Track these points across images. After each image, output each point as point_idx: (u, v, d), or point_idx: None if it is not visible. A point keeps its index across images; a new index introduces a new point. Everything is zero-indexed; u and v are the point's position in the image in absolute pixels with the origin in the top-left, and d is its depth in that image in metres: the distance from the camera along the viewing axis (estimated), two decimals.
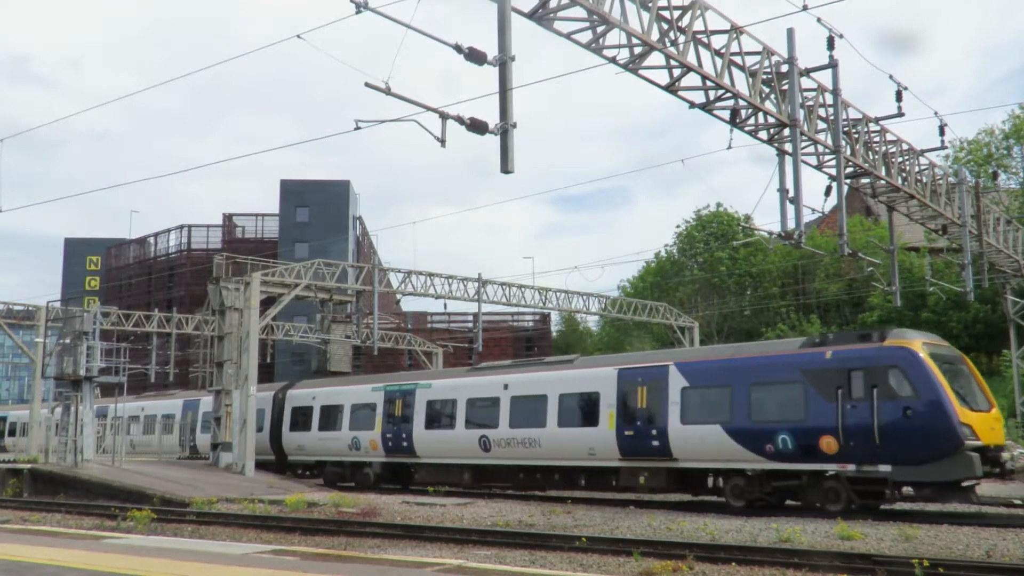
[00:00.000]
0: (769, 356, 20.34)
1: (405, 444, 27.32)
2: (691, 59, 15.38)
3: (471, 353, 52.19)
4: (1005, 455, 17.97)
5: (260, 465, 30.09)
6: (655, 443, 21.23)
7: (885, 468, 17.85)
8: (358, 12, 12.87)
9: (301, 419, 30.83)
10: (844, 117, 18.64)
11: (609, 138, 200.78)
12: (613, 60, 14.96)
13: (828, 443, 18.39)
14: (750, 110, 16.89)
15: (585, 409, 23.03)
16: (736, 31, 16.17)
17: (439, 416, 26.79)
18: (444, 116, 13.87)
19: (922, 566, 11.17)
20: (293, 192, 65.90)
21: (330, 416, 29.91)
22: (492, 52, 12.92)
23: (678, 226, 60.67)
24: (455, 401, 26.39)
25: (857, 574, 11.62)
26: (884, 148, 20.76)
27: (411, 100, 13.82)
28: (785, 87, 17.12)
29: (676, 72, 15.55)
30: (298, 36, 14.22)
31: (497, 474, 25.59)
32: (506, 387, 25.21)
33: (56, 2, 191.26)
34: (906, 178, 21.74)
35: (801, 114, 17.20)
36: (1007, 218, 29.34)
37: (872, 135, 20.31)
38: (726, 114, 16.81)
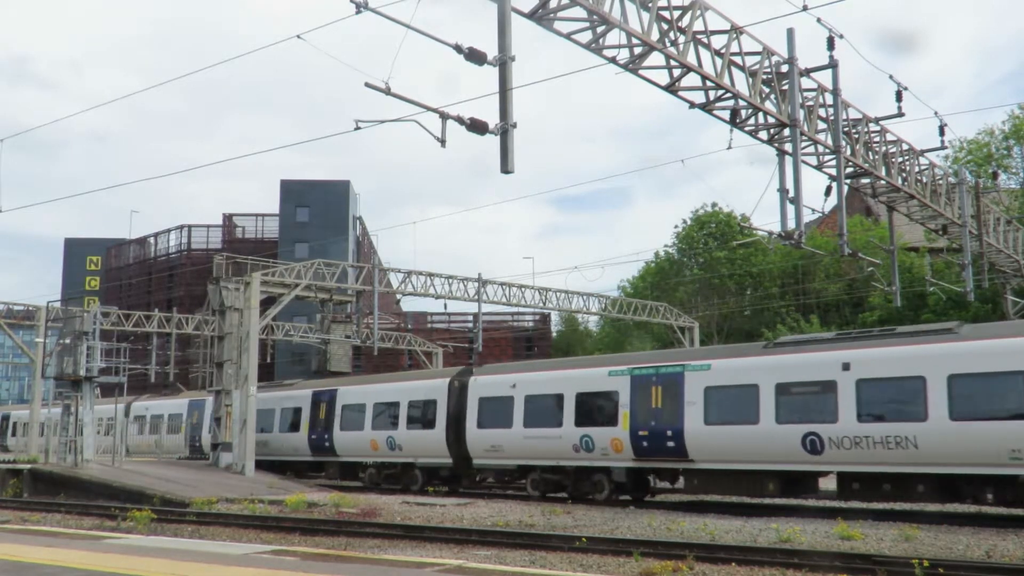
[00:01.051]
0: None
1: (672, 444, 20.95)
2: (691, 59, 15.37)
3: (471, 353, 52.20)
4: None
5: (433, 472, 27.35)
6: None
7: None
8: (358, 12, 12.87)
9: (494, 412, 25.06)
10: (844, 117, 18.63)
11: (609, 138, 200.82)
12: (613, 60, 14.96)
13: None
14: (750, 110, 16.88)
15: None
16: (736, 31, 16.16)
17: (728, 407, 20.18)
18: (444, 116, 13.87)
19: (922, 566, 11.17)
20: (293, 192, 65.90)
21: (541, 408, 23.99)
22: (492, 52, 12.93)
23: (676, 226, 60.73)
24: (756, 388, 19.77)
25: (857, 574, 11.61)
26: (884, 148, 20.76)
27: (411, 100, 13.82)
28: (785, 87, 17.12)
29: (676, 72, 15.54)
30: (298, 36, 14.23)
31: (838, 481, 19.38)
32: (847, 367, 18.65)
33: (56, 3, 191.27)
34: (906, 178, 21.73)
35: (801, 114, 17.20)
36: (1007, 218, 29.34)
37: (872, 135, 20.30)
38: (726, 114, 16.81)
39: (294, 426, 31.54)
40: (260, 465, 30.24)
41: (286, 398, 32.49)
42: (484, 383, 25.75)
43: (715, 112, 16.70)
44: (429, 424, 26.81)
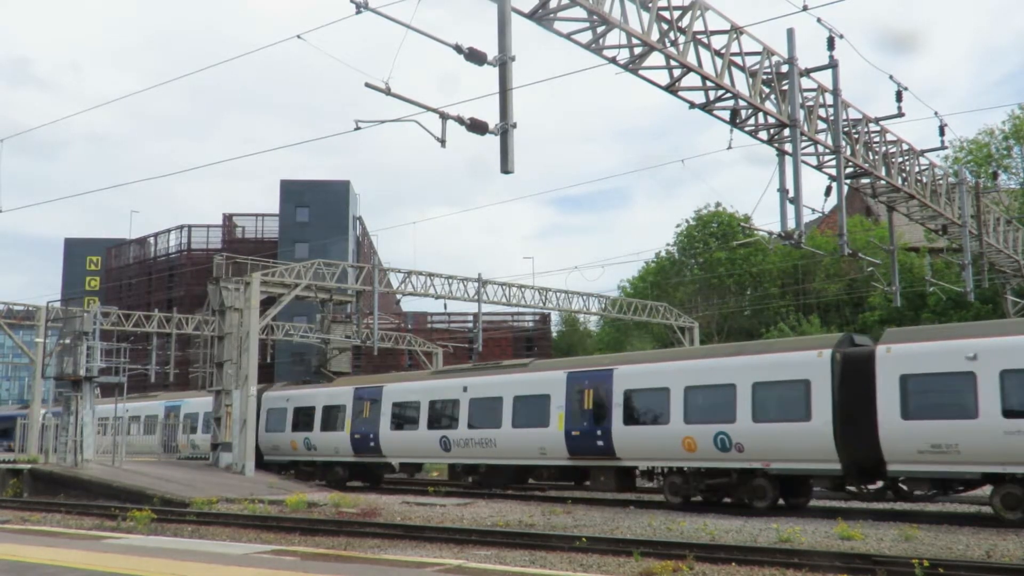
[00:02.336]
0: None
1: None
2: (691, 59, 15.37)
3: (471, 353, 52.17)
4: None
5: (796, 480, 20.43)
6: None
7: None
8: (358, 12, 12.87)
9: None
10: (844, 117, 18.64)
11: (609, 138, 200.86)
12: (613, 60, 14.96)
13: None
14: (750, 110, 16.88)
15: None
16: (736, 31, 16.16)
17: None
18: (444, 116, 13.87)
19: (922, 566, 11.17)
20: (293, 192, 65.87)
21: None
22: (492, 52, 12.93)
23: (678, 226, 60.68)
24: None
25: (857, 574, 11.61)
26: (884, 148, 20.76)
27: (411, 100, 13.83)
28: (785, 87, 17.12)
29: (676, 72, 15.55)
30: (298, 36, 14.24)
31: None
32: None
33: (57, 5, 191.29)
34: (906, 178, 21.73)
35: (801, 114, 17.20)
36: (1007, 218, 29.34)
37: (872, 135, 20.31)
38: (726, 114, 16.81)
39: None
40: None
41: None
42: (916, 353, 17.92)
43: (715, 112, 16.71)
44: (795, 415, 19.23)
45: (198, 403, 36.54)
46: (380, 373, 38.69)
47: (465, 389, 26.02)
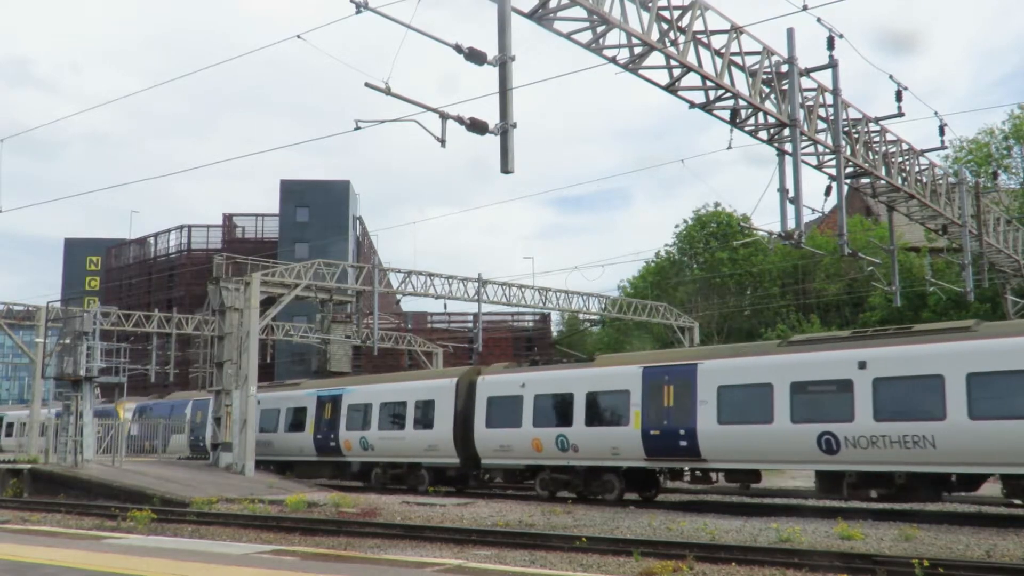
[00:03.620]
0: None
1: None
2: (691, 59, 15.38)
3: (471, 353, 52.18)
4: None
5: None
6: None
7: None
8: (358, 12, 12.88)
9: None
10: (844, 117, 18.64)
11: (609, 139, 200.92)
12: (613, 60, 14.96)
13: None
14: (750, 110, 16.89)
15: None
16: (736, 31, 16.16)
17: None
18: (444, 116, 13.88)
19: (922, 566, 11.17)
20: (293, 192, 65.90)
21: None
22: (492, 52, 12.93)
23: (677, 226, 60.70)
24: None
25: (857, 574, 11.61)
26: (884, 148, 20.76)
27: (411, 100, 13.83)
28: (785, 87, 17.12)
29: (676, 72, 15.55)
30: (298, 36, 14.24)
31: None
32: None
33: (56, 5, 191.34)
34: (906, 178, 21.73)
35: (801, 114, 17.20)
36: (1007, 218, 29.34)
37: (872, 135, 20.31)
38: (726, 114, 16.81)
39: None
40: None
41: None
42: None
43: (715, 112, 16.71)
44: None
45: (371, 391, 29.40)
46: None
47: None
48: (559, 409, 23.29)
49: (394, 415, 27.75)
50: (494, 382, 25.16)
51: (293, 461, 31.35)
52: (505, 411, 24.34)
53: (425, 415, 26.64)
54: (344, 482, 29.70)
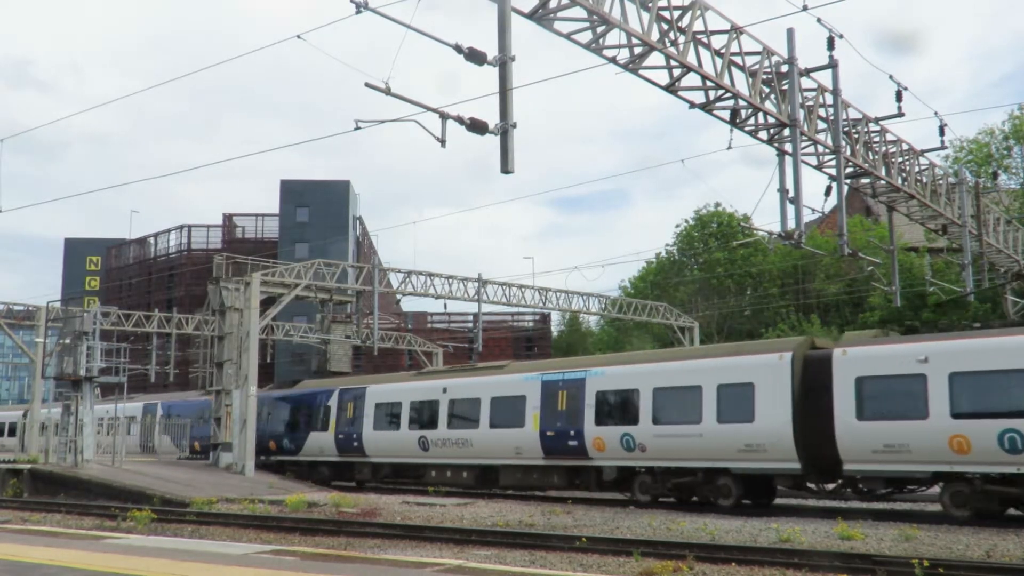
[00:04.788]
0: None
1: None
2: (691, 59, 15.37)
3: (471, 353, 52.16)
4: None
5: None
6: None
7: None
8: (358, 12, 12.87)
9: None
10: (844, 117, 18.63)
11: (609, 139, 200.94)
12: (613, 60, 14.96)
13: None
14: (750, 110, 16.88)
15: None
16: (736, 31, 16.16)
17: None
18: (444, 116, 13.87)
19: (922, 566, 11.17)
20: (293, 192, 65.90)
21: None
22: (492, 52, 12.93)
23: (677, 226, 60.68)
24: None
25: (857, 574, 11.61)
26: (884, 148, 20.76)
27: (411, 100, 13.83)
28: (785, 87, 17.12)
29: (676, 72, 15.55)
30: (298, 36, 14.24)
31: None
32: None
33: (57, 6, 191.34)
34: (906, 178, 21.73)
35: (801, 114, 17.20)
36: (1007, 218, 29.33)
37: (872, 135, 20.30)
38: (726, 114, 16.81)
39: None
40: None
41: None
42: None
43: (715, 112, 16.70)
44: None
45: (638, 372, 22.97)
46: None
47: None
48: None
49: (681, 404, 21.24)
50: (871, 357, 18.52)
51: (499, 466, 25.13)
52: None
53: (738, 404, 20.19)
54: (591, 494, 23.95)
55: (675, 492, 21.77)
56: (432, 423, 26.67)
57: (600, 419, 22.48)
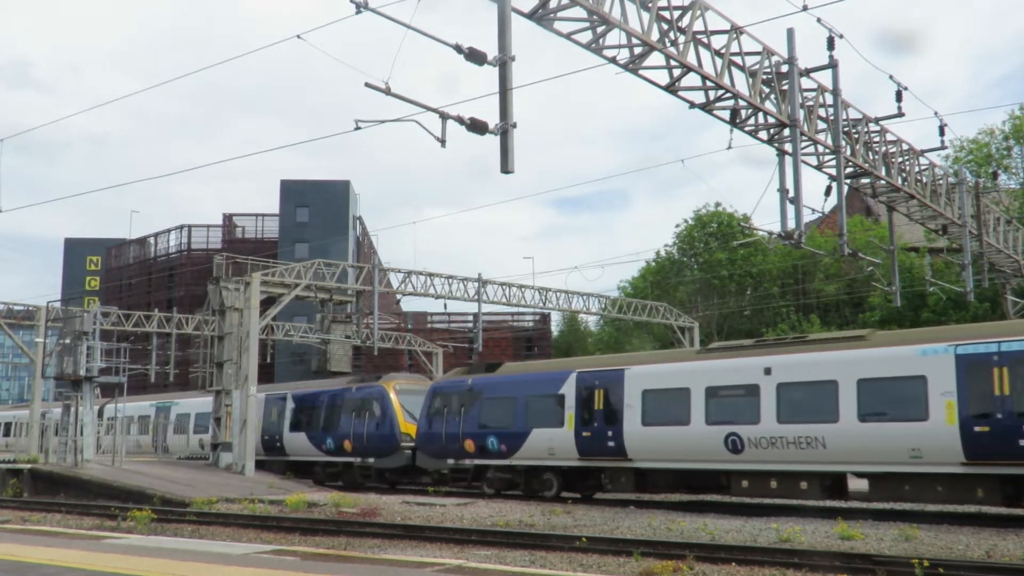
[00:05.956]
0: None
1: None
2: (691, 59, 15.38)
3: (471, 353, 52.16)
4: None
5: None
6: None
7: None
8: (358, 12, 12.87)
9: None
10: (844, 117, 18.63)
11: (609, 139, 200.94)
12: (613, 60, 14.96)
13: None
14: (750, 110, 16.88)
15: None
16: (736, 31, 16.17)
17: None
18: (444, 116, 13.87)
19: (922, 566, 11.17)
20: (293, 192, 65.90)
21: None
22: (492, 52, 12.93)
23: (677, 226, 60.68)
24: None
25: (857, 574, 11.61)
26: (884, 148, 20.76)
27: (411, 100, 13.83)
28: (785, 87, 17.12)
29: (676, 72, 15.55)
30: (298, 36, 14.24)
31: None
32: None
33: (57, 6, 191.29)
34: (906, 178, 21.73)
35: (801, 114, 17.20)
36: (1007, 218, 29.33)
37: (872, 135, 20.30)
38: (726, 114, 16.81)
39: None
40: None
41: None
42: None
43: (715, 112, 16.70)
44: None
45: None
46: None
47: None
48: None
49: None
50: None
51: (879, 474, 18.54)
52: None
53: None
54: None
55: None
56: (748, 416, 19.79)
57: None
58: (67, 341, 29.90)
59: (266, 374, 42.83)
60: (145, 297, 70.34)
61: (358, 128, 14.23)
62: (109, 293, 75.44)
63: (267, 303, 31.96)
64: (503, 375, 25.69)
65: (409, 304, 76.86)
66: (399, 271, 36.39)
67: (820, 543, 14.13)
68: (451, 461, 25.45)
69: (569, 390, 23.19)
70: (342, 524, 17.56)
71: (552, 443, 23.17)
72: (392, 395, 29.24)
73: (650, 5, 14.53)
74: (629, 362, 22.86)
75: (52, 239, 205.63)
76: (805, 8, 15.07)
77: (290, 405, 32.56)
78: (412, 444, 27.78)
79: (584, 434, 22.52)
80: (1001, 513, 19.05)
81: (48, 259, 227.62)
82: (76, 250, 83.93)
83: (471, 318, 60.43)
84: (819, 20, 16.62)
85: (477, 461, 24.93)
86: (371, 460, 29.42)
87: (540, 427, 23.49)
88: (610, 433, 22.01)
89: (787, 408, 19.24)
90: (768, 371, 19.79)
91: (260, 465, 31.53)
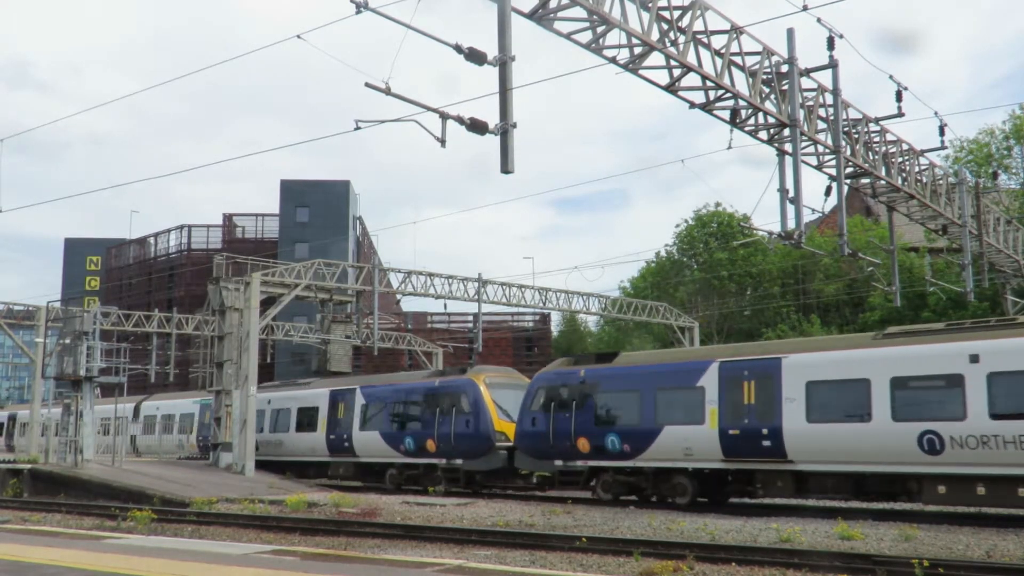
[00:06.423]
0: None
1: None
2: (691, 59, 15.38)
3: (471, 353, 52.14)
4: None
5: None
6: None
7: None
8: (358, 12, 12.87)
9: None
10: (844, 117, 18.64)
11: (609, 139, 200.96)
12: (613, 60, 14.96)
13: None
14: (750, 110, 16.88)
15: None
16: (736, 31, 16.17)
17: None
18: (444, 116, 13.87)
19: (922, 566, 11.17)
20: (293, 192, 65.88)
21: None
22: (492, 52, 12.93)
23: (677, 226, 60.65)
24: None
25: (857, 574, 11.61)
26: (884, 148, 20.76)
27: (411, 100, 13.83)
28: (785, 87, 17.12)
29: (676, 72, 15.55)
30: (298, 36, 14.24)
31: None
32: None
33: (57, 6, 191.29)
34: (906, 178, 21.73)
35: (801, 114, 17.20)
36: (1007, 218, 29.34)
37: (872, 135, 20.31)
38: (726, 114, 16.81)
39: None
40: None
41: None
42: None
43: (715, 112, 16.71)
44: None
45: None
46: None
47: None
48: None
49: None
50: None
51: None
52: None
53: None
54: None
55: None
56: (950, 411, 17.21)
57: None
58: (67, 341, 29.90)
59: (266, 374, 42.81)
60: (145, 297, 70.33)
61: (358, 128, 14.24)
62: (109, 293, 75.42)
63: (267, 303, 31.96)
64: (623, 366, 22.86)
65: (409, 304, 76.92)
66: (399, 271, 36.40)
67: (820, 543, 14.14)
68: (559, 462, 22.99)
69: (710, 382, 20.54)
70: (342, 524, 17.56)
71: (689, 442, 20.56)
72: (483, 389, 26.09)
73: (650, 5, 14.54)
74: (782, 350, 20.48)
75: (52, 239, 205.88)
76: (805, 8, 15.07)
77: (359, 400, 29.58)
78: (507, 444, 25.14)
79: (731, 432, 19.91)
80: (1001, 513, 19.06)
81: (48, 259, 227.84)
82: (76, 250, 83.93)
83: (471, 318, 60.38)
84: (819, 20, 16.63)
85: (592, 462, 22.39)
86: (459, 462, 26.28)
87: (674, 424, 20.86)
88: (765, 431, 19.42)
89: (1002, 401, 16.53)
90: (975, 358, 17.11)
91: (324, 467, 30.61)
